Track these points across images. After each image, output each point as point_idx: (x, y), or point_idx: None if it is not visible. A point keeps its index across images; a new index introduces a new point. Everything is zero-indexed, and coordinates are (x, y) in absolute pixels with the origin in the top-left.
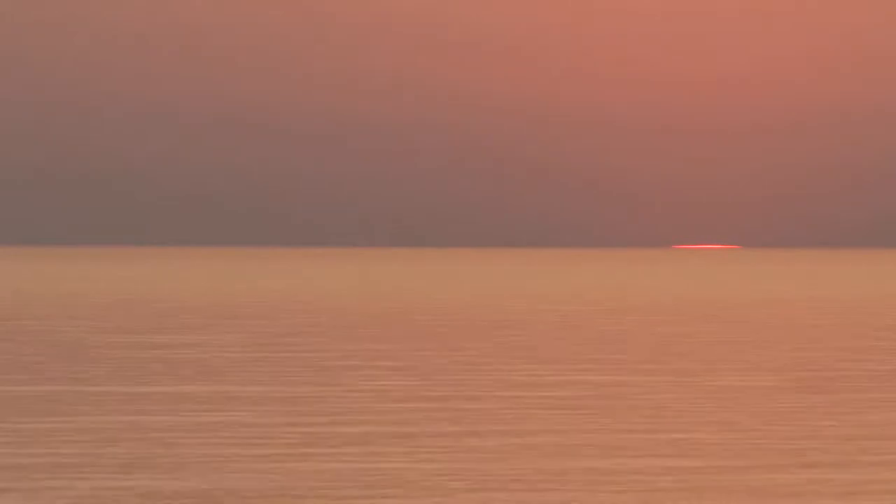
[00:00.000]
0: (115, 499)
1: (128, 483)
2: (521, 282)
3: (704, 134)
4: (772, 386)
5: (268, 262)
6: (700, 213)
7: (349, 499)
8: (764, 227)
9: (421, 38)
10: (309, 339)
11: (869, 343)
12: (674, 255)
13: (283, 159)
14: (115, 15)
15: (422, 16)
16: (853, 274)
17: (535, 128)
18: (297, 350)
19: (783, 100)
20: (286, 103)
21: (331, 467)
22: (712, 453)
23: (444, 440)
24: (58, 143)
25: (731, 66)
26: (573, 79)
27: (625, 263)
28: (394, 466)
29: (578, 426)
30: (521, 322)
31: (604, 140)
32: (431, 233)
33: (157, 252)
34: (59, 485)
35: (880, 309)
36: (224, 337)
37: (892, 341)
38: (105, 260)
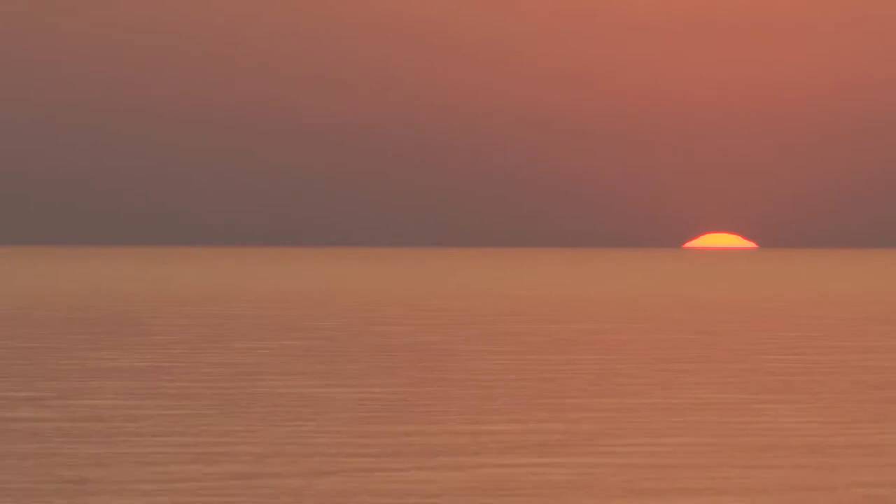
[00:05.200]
0: None
1: None
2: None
3: (711, 134)
4: None
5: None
6: (712, 212)
7: None
8: (781, 227)
9: (419, 41)
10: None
11: None
12: (693, 255)
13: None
14: (110, 14)
15: (417, 19)
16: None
17: (541, 131)
18: None
19: (798, 99)
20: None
21: None
22: None
23: None
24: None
25: (739, 67)
26: (578, 79)
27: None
28: None
29: None
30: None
31: (608, 140)
32: (432, 233)
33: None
34: None
35: None
36: None
37: None
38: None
